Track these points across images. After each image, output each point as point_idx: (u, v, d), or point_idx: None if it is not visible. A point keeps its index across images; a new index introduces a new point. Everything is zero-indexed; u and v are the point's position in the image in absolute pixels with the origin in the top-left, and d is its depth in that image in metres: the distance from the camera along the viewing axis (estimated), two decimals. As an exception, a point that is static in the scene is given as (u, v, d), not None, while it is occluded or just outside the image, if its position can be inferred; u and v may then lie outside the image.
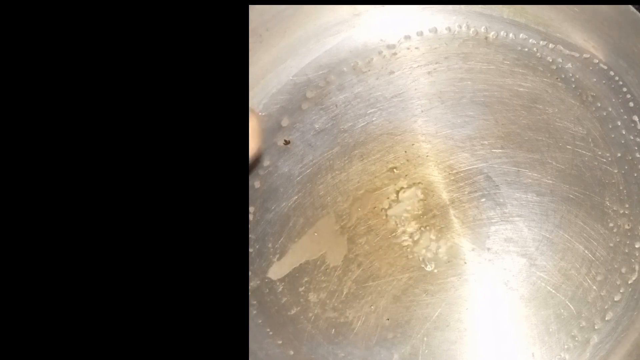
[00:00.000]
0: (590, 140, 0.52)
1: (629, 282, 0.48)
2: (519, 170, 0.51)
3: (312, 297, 0.49)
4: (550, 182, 0.51)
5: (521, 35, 0.56)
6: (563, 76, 0.54)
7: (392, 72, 0.56)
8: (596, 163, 0.51)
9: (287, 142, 0.54)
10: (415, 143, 0.53)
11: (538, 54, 0.55)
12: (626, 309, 0.47)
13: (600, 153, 0.51)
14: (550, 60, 0.55)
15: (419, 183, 0.51)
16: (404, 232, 0.50)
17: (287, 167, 0.53)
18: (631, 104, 0.53)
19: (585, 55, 0.55)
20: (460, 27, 0.56)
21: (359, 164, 0.52)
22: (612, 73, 0.54)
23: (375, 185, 0.51)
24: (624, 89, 0.53)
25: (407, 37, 0.57)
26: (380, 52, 0.56)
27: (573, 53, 0.55)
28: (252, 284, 0.49)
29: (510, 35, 0.56)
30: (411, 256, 0.49)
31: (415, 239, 0.50)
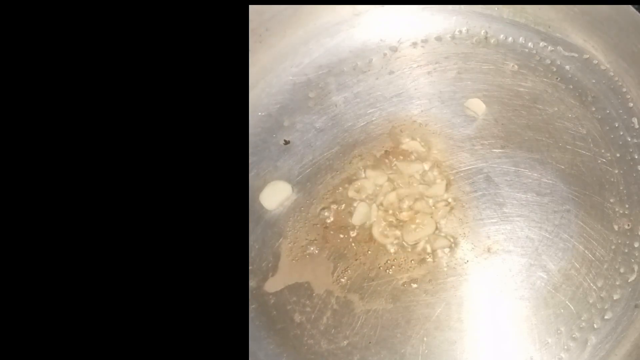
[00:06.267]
0: (590, 140, 0.52)
1: (629, 282, 0.48)
2: (518, 170, 0.51)
3: (318, 291, 0.49)
4: (550, 182, 0.51)
5: (521, 38, 0.56)
6: (563, 77, 0.54)
7: (392, 72, 0.56)
8: (596, 163, 0.51)
9: (287, 142, 0.54)
10: (414, 143, 0.53)
11: (537, 56, 0.55)
12: (626, 308, 0.47)
13: (600, 153, 0.51)
14: (550, 62, 0.55)
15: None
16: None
17: (287, 167, 0.53)
18: (630, 104, 0.53)
19: (585, 56, 0.55)
20: (460, 32, 0.57)
21: (359, 163, 0.52)
22: (611, 74, 0.54)
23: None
24: (624, 89, 0.53)
25: (407, 37, 0.57)
26: (380, 52, 0.56)
27: (573, 54, 0.55)
28: (252, 283, 0.49)
29: (510, 38, 0.56)
30: (411, 256, 0.49)
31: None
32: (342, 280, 0.49)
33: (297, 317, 0.48)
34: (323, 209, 0.51)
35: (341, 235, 0.50)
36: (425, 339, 0.47)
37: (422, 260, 0.49)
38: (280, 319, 0.48)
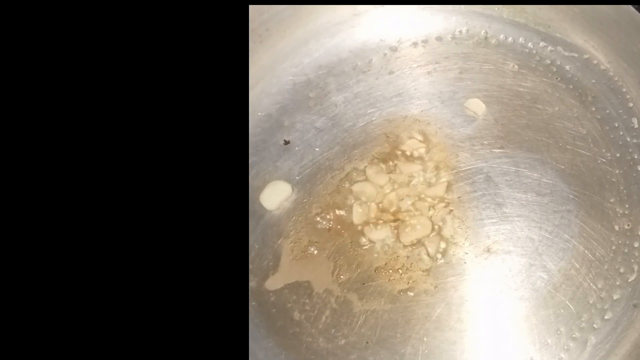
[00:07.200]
0: (590, 140, 0.52)
1: (629, 282, 0.48)
2: (518, 170, 0.51)
3: (317, 290, 0.49)
4: (550, 182, 0.51)
5: (521, 38, 0.56)
6: (563, 77, 0.54)
7: (392, 72, 0.56)
8: (596, 163, 0.51)
9: (287, 142, 0.54)
10: (415, 143, 0.53)
11: (537, 56, 0.55)
12: (626, 308, 0.47)
13: (600, 153, 0.51)
14: (550, 62, 0.55)
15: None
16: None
17: (287, 167, 0.53)
18: (630, 104, 0.53)
19: (585, 56, 0.55)
20: (460, 32, 0.57)
21: (359, 163, 0.52)
22: (611, 74, 0.54)
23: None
24: (624, 89, 0.53)
25: (407, 37, 0.57)
26: (380, 52, 0.56)
27: (573, 54, 0.55)
28: (252, 283, 0.49)
29: (510, 38, 0.56)
30: (411, 256, 0.49)
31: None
32: (342, 280, 0.49)
33: (297, 316, 0.48)
34: (323, 209, 0.51)
35: (341, 235, 0.50)
36: (425, 339, 0.47)
37: (422, 261, 0.49)
38: (279, 317, 0.48)
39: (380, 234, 0.49)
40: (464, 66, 0.55)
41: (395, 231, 0.50)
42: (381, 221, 0.50)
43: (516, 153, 0.52)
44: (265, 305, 0.49)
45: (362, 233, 0.50)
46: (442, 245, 0.49)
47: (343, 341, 0.47)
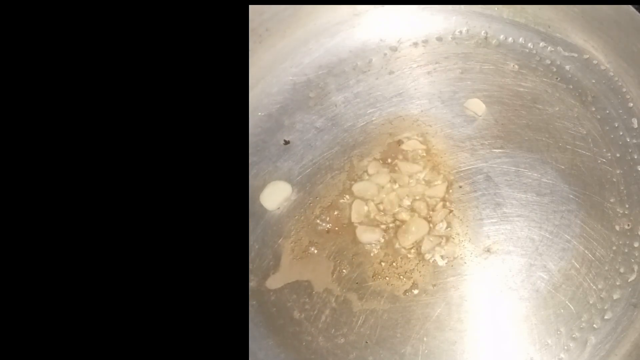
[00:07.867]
0: (590, 140, 0.52)
1: (629, 282, 0.48)
2: (518, 170, 0.51)
3: (317, 289, 0.49)
4: (550, 182, 0.51)
5: (521, 38, 0.56)
6: (563, 77, 0.54)
7: (392, 72, 0.56)
8: (596, 163, 0.51)
9: (287, 142, 0.54)
10: (415, 143, 0.53)
11: (537, 56, 0.55)
12: (626, 308, 0.47)
13: (600, 153, 0.51)
14: (550, 62, 0.55)
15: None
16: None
17: (287, 167, 0.53)
18: (630, 104, 0.53)
19: (585, 56, 0.55)
20: (460, 32, 0.57)
21: (359, 163, 0.52)
22: (611, 74, 0.54)
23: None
24: (624, 89, 0.53)
25: (407, 37, 0.57)
26: (380, 52, 0.57)
27: (573, 54, 0.55)
28: (252, 284, 0.49)
29: (510, 39, 0.56)
30: (410, 256, 0.49)
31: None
32: (342, 279, 0.49)
33: (297, 315, 0.48)
34: (323, 209, 0.51)
35: (341, 236, 0.50)
36: (425, 339, 0.47)
37: (422, 260, 0.49)
38: (279, 317, 0.48)
39: (379, 234, 0.49)
40: (464, 66, 0.55)
41: (395, 231, 0.50)
42: (381, 222, 0.50)
43: (516, 153, 0.52)
44: (265, 305, 0.49)
45: (361, 233, 0.50)
46: (442, 245, 0.49)
47: (342, 340, 0.47)
